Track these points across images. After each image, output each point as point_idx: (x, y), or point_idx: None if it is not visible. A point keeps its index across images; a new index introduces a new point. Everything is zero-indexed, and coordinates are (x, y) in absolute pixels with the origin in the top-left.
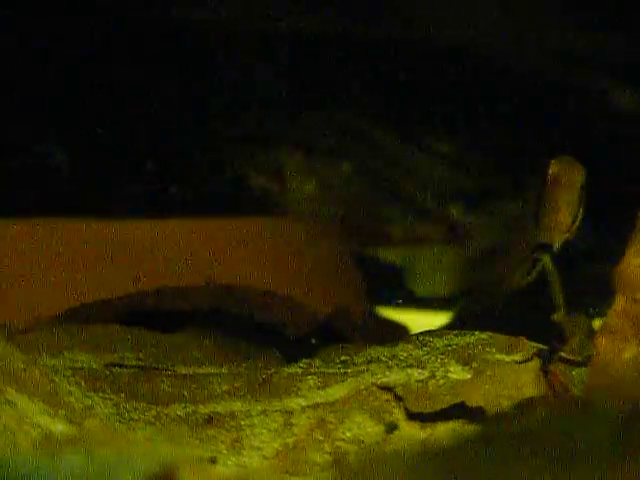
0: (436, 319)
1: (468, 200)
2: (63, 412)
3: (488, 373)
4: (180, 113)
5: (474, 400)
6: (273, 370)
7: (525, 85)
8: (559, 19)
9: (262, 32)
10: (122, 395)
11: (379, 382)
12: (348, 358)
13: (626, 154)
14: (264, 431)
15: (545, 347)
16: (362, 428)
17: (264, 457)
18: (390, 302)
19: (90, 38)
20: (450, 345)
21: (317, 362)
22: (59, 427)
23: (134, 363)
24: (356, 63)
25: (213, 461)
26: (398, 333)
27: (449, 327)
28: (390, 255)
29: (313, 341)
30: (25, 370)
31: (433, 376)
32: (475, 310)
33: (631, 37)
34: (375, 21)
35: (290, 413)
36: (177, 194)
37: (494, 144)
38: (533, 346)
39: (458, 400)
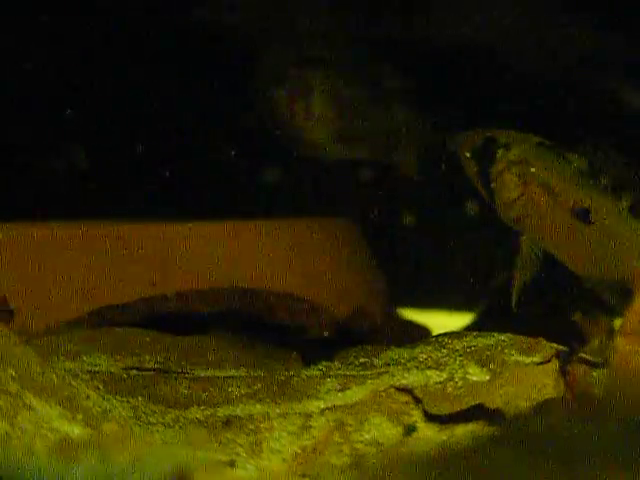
0: (455, 320)
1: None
2: (81, 416)
3: (507, 375)
4: (198, 113)
5: (493, 402)
6: (292, 372)
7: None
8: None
9: None
10: (140, 398)
11: (398, 384)
12: (367, 360)
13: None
14: (283, 434)
15: (564, 348)
16: (381, 430)
17: (283, 460)
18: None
19: (108, 40)
20: (469, 347)
21: (336, 364)
22: (76, 431)
23: (152, 366)
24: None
25: (232, 464)
26: (418, 334)
27: (468, 328)
28: (410, 255)
29: (327, 337)
30: (43, 374)
31: (452, 378)
32: (494, 310)
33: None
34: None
35: (309, 416)
36: (196, 194)
37: None
38: (552, 347)
39: (477, 402)
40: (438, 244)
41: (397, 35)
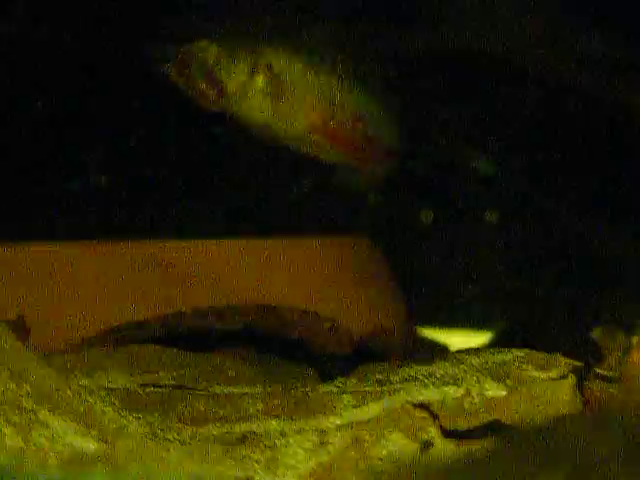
0: (473, 337)
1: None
2: (95, 432)
3: (523, 390)
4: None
5: (509, 417)
6: (308, 389)
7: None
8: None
9: None
10: (156, 415)
11: (415, 400)
12: (384, 376)
13: None
14: (299, 450)
15: (581, 364)
16: (397, 446)
17: (299, 476)
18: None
19: (130, 64)
20: (486, 363)
21: (353, 380)
22: (91, 446)
23: (169, 383)
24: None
25: None
26: (434, 351)
27: (485, 344)
28: (429, 271)
29: (344, 354)
30: (58, 391)
31: (469, 394)
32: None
33: None
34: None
35: (325, 432)
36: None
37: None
38: (569, 363)
39: (493, 417)
40: (455, 260)
41: None
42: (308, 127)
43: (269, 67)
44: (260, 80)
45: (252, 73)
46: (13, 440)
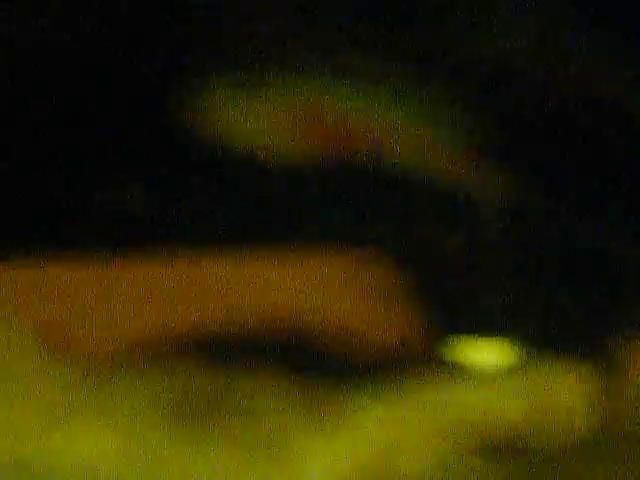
0: (492, 348)
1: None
2: (120, 442)
3: (544, 406)
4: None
5: (529, 435)
6: (334, 401)
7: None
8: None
9: None
10: (181, 429)
11: (436, 417)
12: (407, 391)
13: None
14: (325, 464)
15: (603, 375)
16: (419, 462)
17: None
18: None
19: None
20: (507, 379)
21: (380, 392)
22: (112, 458)
23: (198, 396)
24: None
25: None
26: (458, 364)
27: (504, 356)
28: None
29: (370, 366)
30: (85, 400)
31: (489, 411)
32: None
33: None
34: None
35: (351, 444)
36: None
37: None
38: (593, 374)
39: (513, 436)
40: (472, 271)
41: None
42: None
43: None
44: None
45: None
46: (34, 442)
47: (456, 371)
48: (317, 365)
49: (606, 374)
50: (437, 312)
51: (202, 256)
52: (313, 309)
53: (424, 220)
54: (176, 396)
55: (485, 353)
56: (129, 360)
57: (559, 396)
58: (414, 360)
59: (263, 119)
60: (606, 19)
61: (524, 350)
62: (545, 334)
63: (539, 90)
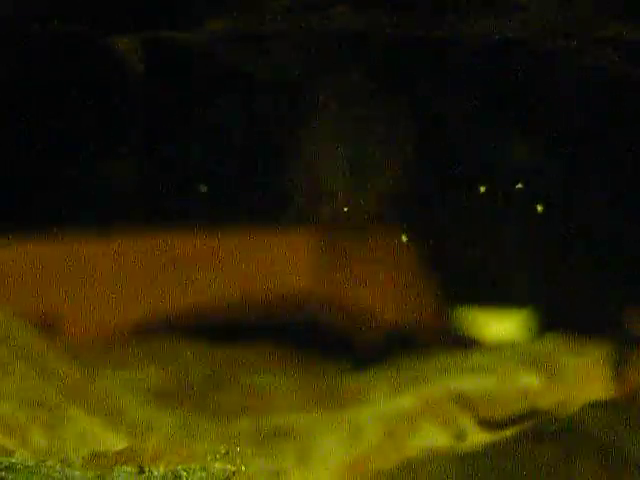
0: (509, 323)
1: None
2: (125, 427)
3: (558, 377)
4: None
5: (544, 404)
6: (341, 379)
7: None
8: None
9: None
10: (188, 409)
11: (449, 390)
12: (417, 366)
13: None
14: (332, 443)
15: (615, 350)
16: (431, 437)
17: (332, 469)
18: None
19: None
20: (519, 352)
21: (387, 370)
22: (120, 442)
23: (200, 376)
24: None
25: (279, 474)
26: (470, 340)
27: (521, 332)
28: (463, 259)
29: (379, 342)
30: (88, 386)
31: (504, 382)
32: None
33: None
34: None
35: (358, 424)
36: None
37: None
38: (603, 349)
39: (528, 405)
40: (489, 248)
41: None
42: None
43: None
44: None
45: None
46: (41, 437)
47: (471, 342)
48: (323, 341)
49: (619, 346)
50: (454, 286)
51: (205, 239)
52: (325, 287)
53: (442, 202)
54: (182, 375)
55: (503, 325)
56: (133, 339)
57: (573, 366)
58: (430, 332)
59: None
60: None
61: (541, 323)
62: (562, 309)
63: None
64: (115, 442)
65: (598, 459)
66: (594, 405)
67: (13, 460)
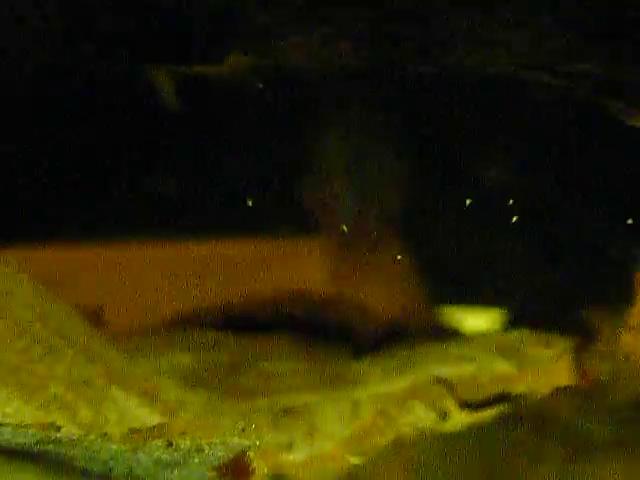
0: (485, 319)
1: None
2: (159, 406)
3: (528, 365)
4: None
5: (516, 389)
6: (344, 365)
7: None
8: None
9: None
10: (214, 390)
11: (434, 375)
12: (408, 354)
13: None
14: (335, 419)
15: (577, 342)
16: (419, 415)
17: (335, 442)
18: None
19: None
20: (496, 342)
21: (382, 357)
22: (154, 419)
23: (224, 362)
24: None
25: (289, 447)
26: (452, 332)
27: (495, 326)
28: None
29: (376, 335)
30: (127, 370)
31: (481, 370)
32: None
33: None
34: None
35: (357, 403)
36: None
37: None
38: (566, 341)
39: (502, 389)
40: (468, 252)
41: None
42: None
43: None
44: None
45: None
46: (87, 414)
47: (453, 334)
48: (330, 333)
49: (581, 339)
50: (438, 287)
51: (227, 244)
52: (328, 288)
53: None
54: (209, 361)
55: (480, 320)
56: (167, 331)
57: (541, 356)
58: (418, 326)
59: None
60: None
61: (512, 319)
62: (530, 307)
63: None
64: (149, 419)
65: (566, 439)
66: (562, 392)
67: (59, 435)
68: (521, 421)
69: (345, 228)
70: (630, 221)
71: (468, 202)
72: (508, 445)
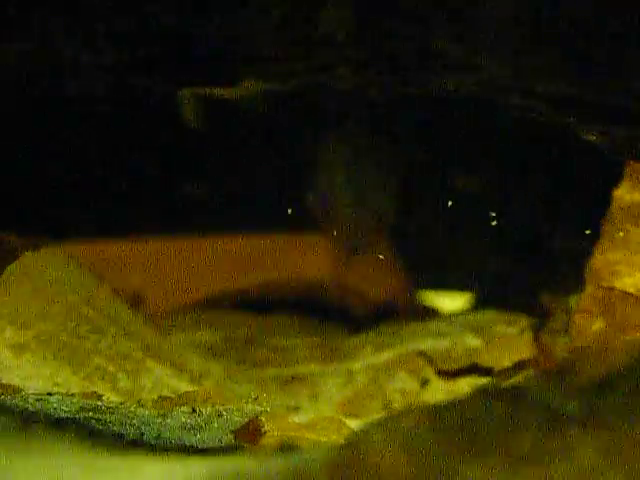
0: (458, 301)
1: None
2: (187, 375)
3: (495, 341)
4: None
5: (485, 361)
6: (340, 340)
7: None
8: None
9: None
10: (231, 361)
11: (417, 349)
12: (395, 331)
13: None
14: (333, 386)
15: (536, 321)
16: (404, 382)
17: (334, 405)
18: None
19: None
20: (467, 321)
21: (372, 334)
22: (183, 387)
23: (241, 338)
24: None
25: (296, 409)
26: (431, 312)
27: (466, 307)
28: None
29: (367, 315)
30: (160, 344)
31: (455, 344)
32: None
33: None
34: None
35: (352, 372)
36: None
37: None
38: (527, 320)
39: (473, 361)
40: (447, 246)
41: None
42: None
43: None
44: None
45: None
46: (126, 383)
47: (432, 314)
48: (330, 314)
49: (539, 319)
50: (420, 275)
51: (250, 240)
52: (327, 277)
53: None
54: (228, 336)
55: (453, 303)
56: (194, 311)
57: (505, 332)
58: (403, 307)
59: None
60: None
61: (481, 301)
62: (496, 291)
63: None
64: (178, 387)
65: (540, 413)
66: (522, 362)
67: (99, 403)
68: (496, 398)
69: (342, 227)
70: (586, 229)
71: (444, 205)
72: (486, 420)
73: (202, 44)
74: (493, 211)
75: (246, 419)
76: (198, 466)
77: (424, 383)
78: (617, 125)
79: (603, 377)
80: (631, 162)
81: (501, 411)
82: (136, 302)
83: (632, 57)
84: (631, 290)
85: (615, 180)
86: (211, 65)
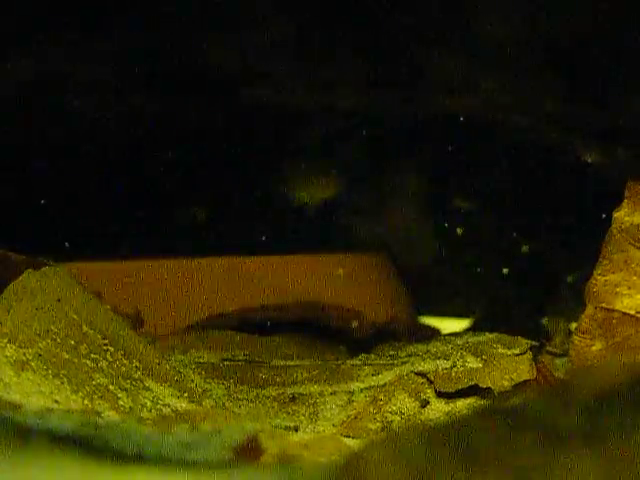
0: (458, 324)
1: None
2: (186, 395)
3: (494, 363)
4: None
5: (484, 382)
6: (340, 362)
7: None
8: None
9: None
10: (232, 381)
11: (416, 370)
12: (395, 352)
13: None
14: (333, 406)
15: (536, 343)
16: (403, 403)
17: (333, 425)
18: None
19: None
20: (467, 342)
21: (372, 356)
22: (183, 406)
23: (242, 358)
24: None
25: (296, 429)
26: (430, 334)
27: (467, 329)
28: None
29: (367, 337)
30: (159, 364)
31: (455, 365)
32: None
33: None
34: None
35: (352, 393)
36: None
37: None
38: (527, 342)
39: (473, 383)
40: (448, 270)
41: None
42: None
43: None
44: None
45: None
46: (126, 402)
47: (432, 336)
48: (330, 335)
49: (538, 342)
50: (421, 296)
51: (245, 262)
52: (328, 299)
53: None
54: (229, 357)
55: (453, 325)
56: (191, 332)
57: (504, 354)
58: (403, 329)
59: None
60: None
61: (480, 325)
62: (493, 317)
63: None
64: (178, 405)
65: (538, 431)
66: (522, 383)
67: (99, 420)
68: (495, 415)
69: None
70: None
71: (445, 227)
72: (484, 437)
73: (204, 58)
74: (493, 233)
75: (246, 437)
76: None
77: (424, 404)
78: (617, 145)
79: (603, 394)
80: (631, 183)
81: (500, 428)
82: (137, 322)
83: (633, 77)
84: (631, 312)
85: (615, 201)
86: (212, 79)
